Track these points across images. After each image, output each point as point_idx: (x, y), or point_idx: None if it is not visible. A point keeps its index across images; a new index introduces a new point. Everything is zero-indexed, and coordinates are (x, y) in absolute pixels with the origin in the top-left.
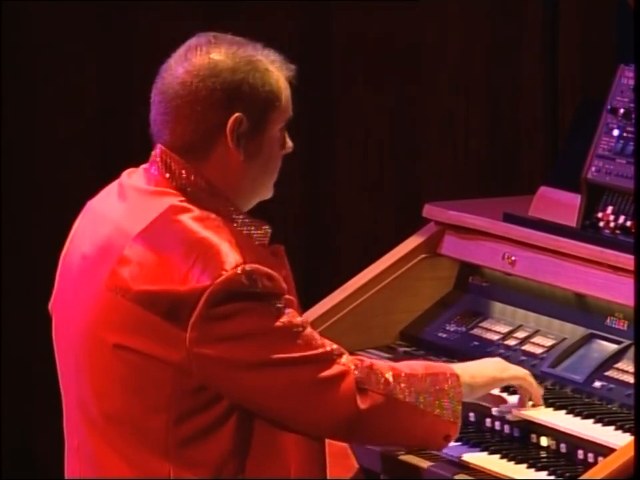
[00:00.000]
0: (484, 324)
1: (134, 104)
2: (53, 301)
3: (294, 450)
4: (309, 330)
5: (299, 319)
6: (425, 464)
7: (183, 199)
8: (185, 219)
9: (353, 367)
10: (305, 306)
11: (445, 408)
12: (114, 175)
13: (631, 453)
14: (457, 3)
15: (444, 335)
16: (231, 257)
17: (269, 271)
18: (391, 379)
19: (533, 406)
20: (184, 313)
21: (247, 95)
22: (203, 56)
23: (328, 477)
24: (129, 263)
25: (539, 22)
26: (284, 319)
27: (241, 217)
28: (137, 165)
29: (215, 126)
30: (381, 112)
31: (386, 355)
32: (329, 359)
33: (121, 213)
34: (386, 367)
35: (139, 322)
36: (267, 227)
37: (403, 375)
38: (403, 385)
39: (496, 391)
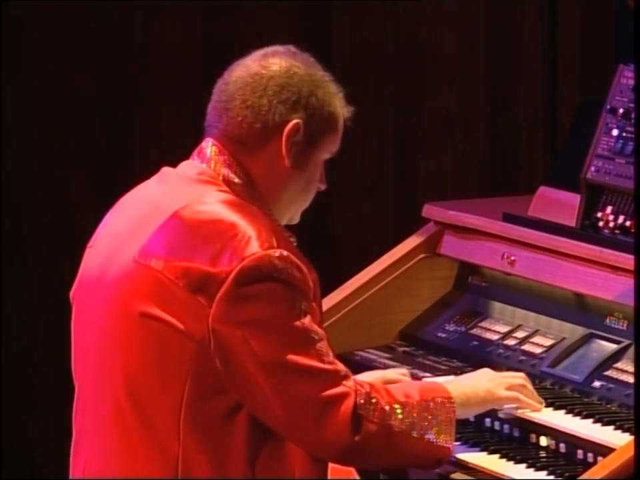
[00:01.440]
0: (483, 324)
1: (134, 104)
2: (75, 288)
3: (299, 452)
4: (324, 343)
5: (317, 329)
6: None
7: (224, 188)
8: (223, 203)
9: (354, 392)
10: None
11: (439, 433)
12: (114, 174)
13: (630, 452)
14: (456, 3)
15: (443, 335)
16: (265, 240)
17: (301, 264)
18: (387, 409)
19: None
20: (212, 289)
21: (312, 106)
22: (282, 58)
23: (329, 476)
24: (164, 238)
25: (538, 21)
26: (305, 322)
27: (273, 217)
28: (137, 165)
29: (274, 124)
30: (380, 112)
31: (385, 355)
32: (336, 378)
33: (158, 194)
34: (384, 394)
35: (167, 293)
36: (293, 237)
37: (399, 403)
38: (398, 414)
39: None
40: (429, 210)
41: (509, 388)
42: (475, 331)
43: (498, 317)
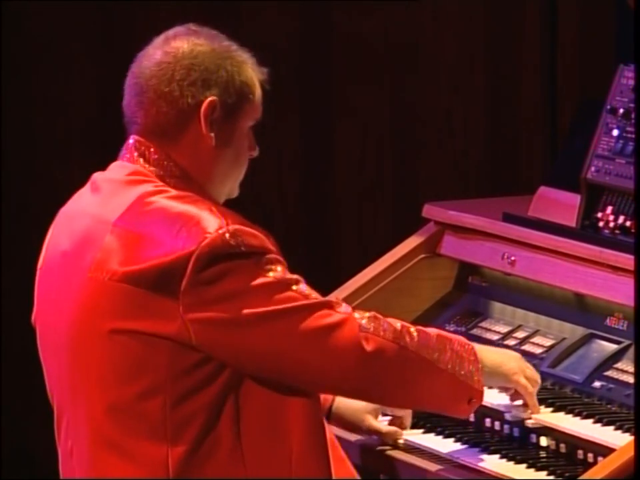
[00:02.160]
0: (483, 324)
1: None
2: (36, 313)
3: (296, 429)
4: (303, 285)
5: (291, 275)
6: (424, 464)
7: (158, 183)
8: (162, 198)
9: (356, 315)
10: None
11: (463, 370)
12: None
13: (630, 453)
14: (456, 3)
15: None
16: (213, 221)
17: (253, 230)
18: (399, 328)
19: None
20: (173, 282)
21: (223, 80)
22: (183, 41)
23: (330, 458)
24: (112, 249)
25: (538, 22)
26: (274, 274)
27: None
28: None
29: (189, 107)
30: (380, 112)
31: None
32: (327, 306)
33: (96, 205)
34: (393, 320)
35: (130, 302)
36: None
37: (413, 328)
38: (413, 336)
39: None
40: (429, 210)
41: (527, 378)
42: (475, 331)
43: (498, 317)
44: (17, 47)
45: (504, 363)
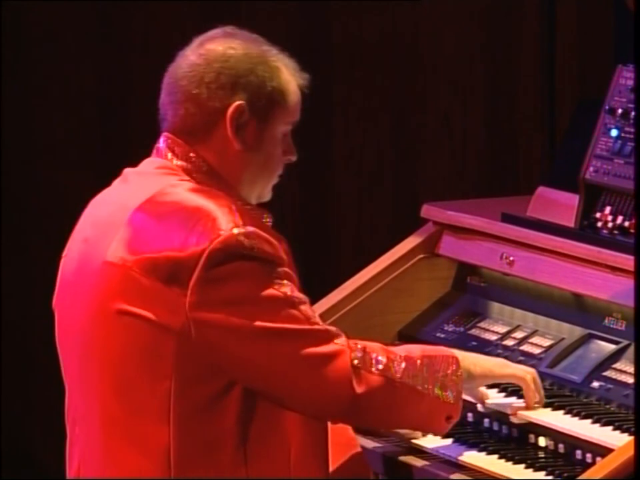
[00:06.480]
0: (482, 324)
1: (133, 103)
2: (56, 298)
3: (295, 428)
4: (307, 306)
5: (298, 294)
6: (423, 464)
7: (184, 177)
8: (183, 190)
9: (348, 348)
10: None
11: (445, 389)
12: (113, 174)
13: (628, 453)
14: (455, 3)
15: (442, 335)
16: (229, 219)
17: (269, 237)
18: (385, 361)
19: (527, 408)
20: (184, 276)
21: (253, 85)
22: (217, 44)
23: (329, 457)
24: (130, 233)
25: (537, 22)
26: (283, 290)
27: (240, 201)
28: (137, 164)
29: (216, 110)
30: (379, 112)
31: None
32: (326, 336)
33: (121, 194)
34: (380, 350)
35: (140, 288)
36: (267, 214)
37: (398, 357)
38: (398, 367)
39: (495, 394)
40: (428, 210)
41: (514, 374)
42: (474, 332)
43: (497, 318)
44: (17, 46)
45: (493, 368)
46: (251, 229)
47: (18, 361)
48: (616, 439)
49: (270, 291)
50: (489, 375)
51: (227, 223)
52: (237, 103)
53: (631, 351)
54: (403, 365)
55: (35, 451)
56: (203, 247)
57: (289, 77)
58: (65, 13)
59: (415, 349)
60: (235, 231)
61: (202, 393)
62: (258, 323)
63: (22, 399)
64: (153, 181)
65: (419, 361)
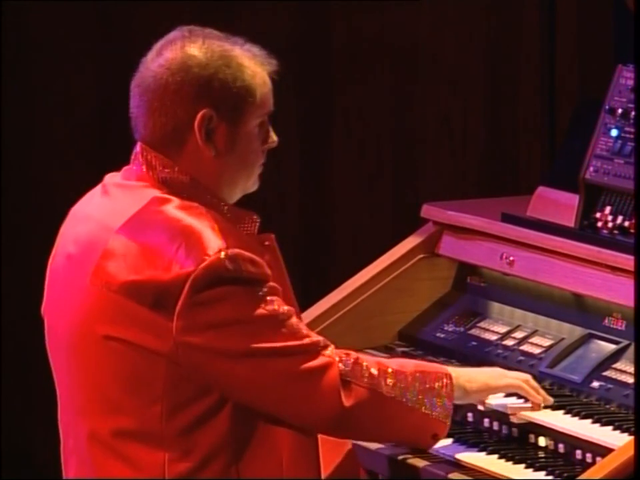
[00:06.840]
0: (482, 324)
1: None
2: (44, 305)
3: (287, 439)
4: (294, 319)
5: (284, 308)
6: (423, 464)
7: (165, 191)
8: (167, 208)
9: (337, 360)
10: (302, 306)
11: (434, 406)
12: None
13: (628, 453)
14: (455, 3)
15: (442, 335)
16: (213, 242)
17: (253, 256)
18: (376, 373)
19: (533, 410)
20: (170, 301)
21: (216, 90)
22: (177, 50)
23: (321, 466)
24: (113, 256)
25: (537, 22)
26: (269, 307)
27: (226, 207)
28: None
29: (183, 121)
30: (379, 112)
31: (384, 355)
32: (314, 350)
33: (102, 210)
34: (372, 362)
35: (126, 313)
36: (255, 216)
37: (389, 370)
38: (388, 381)
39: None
40: (428, 210)
41: (510, 384)
42: (474, 331)
43: (497, 317)
44: (16, 46)
45: (489, 381)
46: (235, 251)
47: (18, 361)
48: (616, 439)
49: (257, 311)
50: (485, 390)
51: (211, 247)
52: (203, 111)
53: (631, 351)
54: (394, 379)
55: (34, 451)
56: (188, 270)
57: (255, 70)
58: (65, 13)
59: (409, 364)
60: (221, 254)
61: (192, 413)
62: (246, 344)
63: (22, 399)
64: (134, 196)
65: (410, 377)
